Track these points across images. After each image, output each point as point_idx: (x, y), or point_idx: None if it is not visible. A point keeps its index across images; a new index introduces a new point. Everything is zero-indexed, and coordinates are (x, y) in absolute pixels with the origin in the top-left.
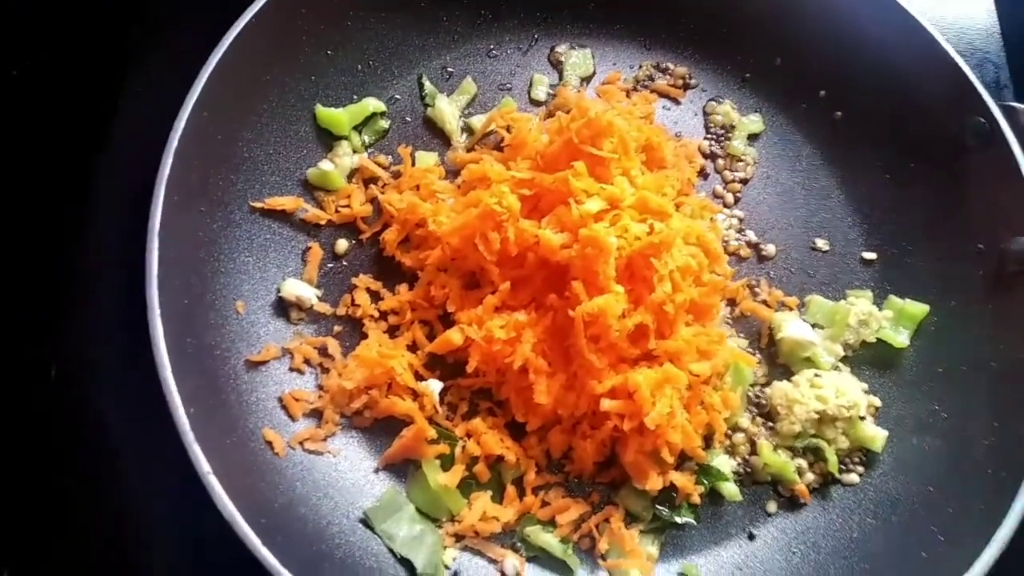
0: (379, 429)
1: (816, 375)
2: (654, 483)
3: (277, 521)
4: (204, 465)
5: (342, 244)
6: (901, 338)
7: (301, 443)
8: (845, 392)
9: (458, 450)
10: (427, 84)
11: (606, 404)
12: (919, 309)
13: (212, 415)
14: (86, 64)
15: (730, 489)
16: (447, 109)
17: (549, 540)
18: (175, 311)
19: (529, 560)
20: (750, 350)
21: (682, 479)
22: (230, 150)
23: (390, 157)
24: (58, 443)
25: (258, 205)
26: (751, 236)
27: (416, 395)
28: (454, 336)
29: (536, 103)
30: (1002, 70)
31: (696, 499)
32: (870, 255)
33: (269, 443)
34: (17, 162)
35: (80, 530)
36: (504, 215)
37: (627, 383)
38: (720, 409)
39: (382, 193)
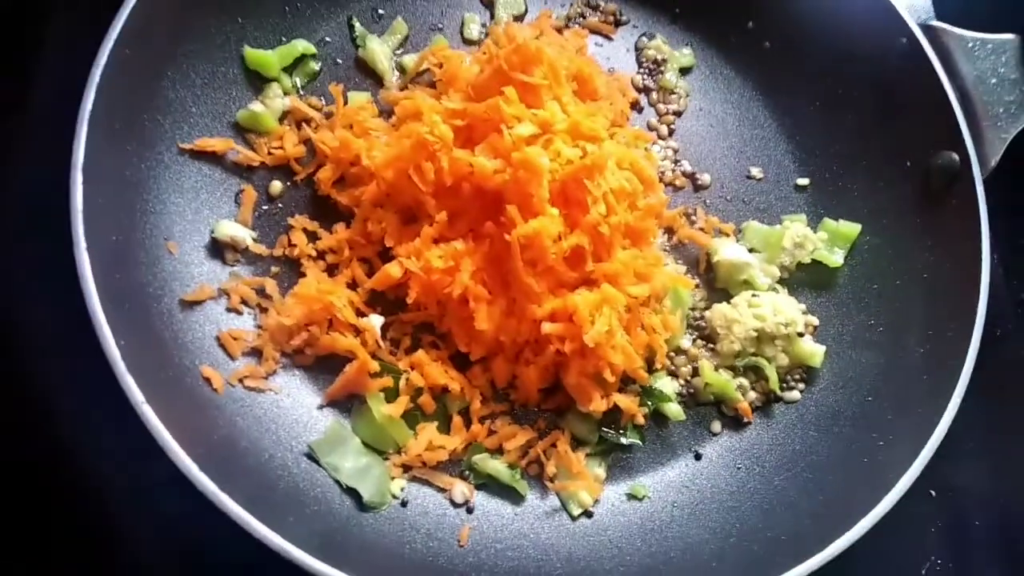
0: (321, 367)
1: (754, 295)
2: (598, 405)
3: (217, 453)
4: (137, 395)
5: (276, 185)
6: (836, 258)
7: (241, 380)
8: (783, 310)
9: (402, 382)
10: (357, 25)
11: (547, 327)
12: (852, 229)
13: (145, 350)
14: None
15: (674, 409)
16: (379, 49)
17: (497, 466)
18: (102, 247)
19: (478, 487)
20: (689, 275)
21: (625, 401)
22: (156, 90)
23: (322, 99)
24: None
25: (187, 147)
26: (686, 166)
27: (358, 331)
28: (393, 270)
29: (468, 42)
30: None
31: (640, 420)
32: (803, 181)
33: (207, 380)
34: None
35: (18, 481)
36: (437, 144)
37: (566, 305)
38: (660, 331)
39: (315, 133)
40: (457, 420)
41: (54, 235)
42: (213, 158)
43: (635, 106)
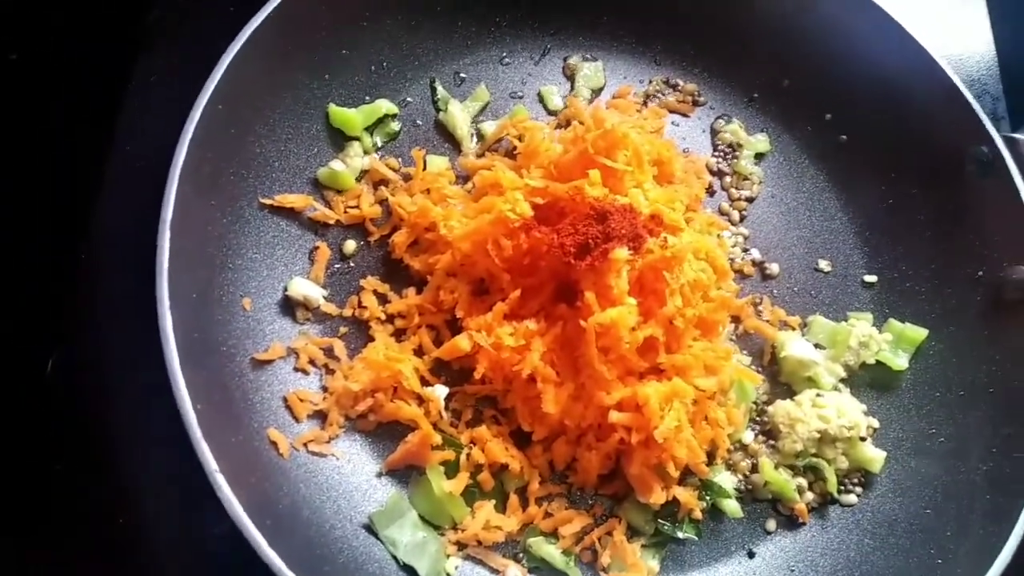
0: (383, 433)
1: (818, 395)
2: (658, 497)
3: (281, 523)
4: (212, 463)
5: (350, 245)
6: (900, 361)
7: (305, 444)
8: (846, 412)
9: (463, 457)
10: (440, 88)
11: (614, 416)
12: (918, 333)
13: (218, 412)
14: (95, 50)
15: (731, 506)
16: (459, 114)
17: (551, 552)
18: (183, 305)
19: (531, 571)
20: (753, 368)
21: (685, 494)
22: (243, 145)
23: (400, 160)
24: (56, 439)
25: (268, 202)
26: (755, 255)
27: (421, 400)
28: (462, 342)
29: (549, 112)
30: (999, 102)
31: (698, 515)
32: (871, 278)
33: (274, 443)
34: (23, 151)
35: (78, 529)
36: (517, 221)
37: (636, 396)
38: (724, 425)
39: (392, 195)
40: (514, 500)
41: (137, 281)
42: (291, 214)
43: (708, 189)
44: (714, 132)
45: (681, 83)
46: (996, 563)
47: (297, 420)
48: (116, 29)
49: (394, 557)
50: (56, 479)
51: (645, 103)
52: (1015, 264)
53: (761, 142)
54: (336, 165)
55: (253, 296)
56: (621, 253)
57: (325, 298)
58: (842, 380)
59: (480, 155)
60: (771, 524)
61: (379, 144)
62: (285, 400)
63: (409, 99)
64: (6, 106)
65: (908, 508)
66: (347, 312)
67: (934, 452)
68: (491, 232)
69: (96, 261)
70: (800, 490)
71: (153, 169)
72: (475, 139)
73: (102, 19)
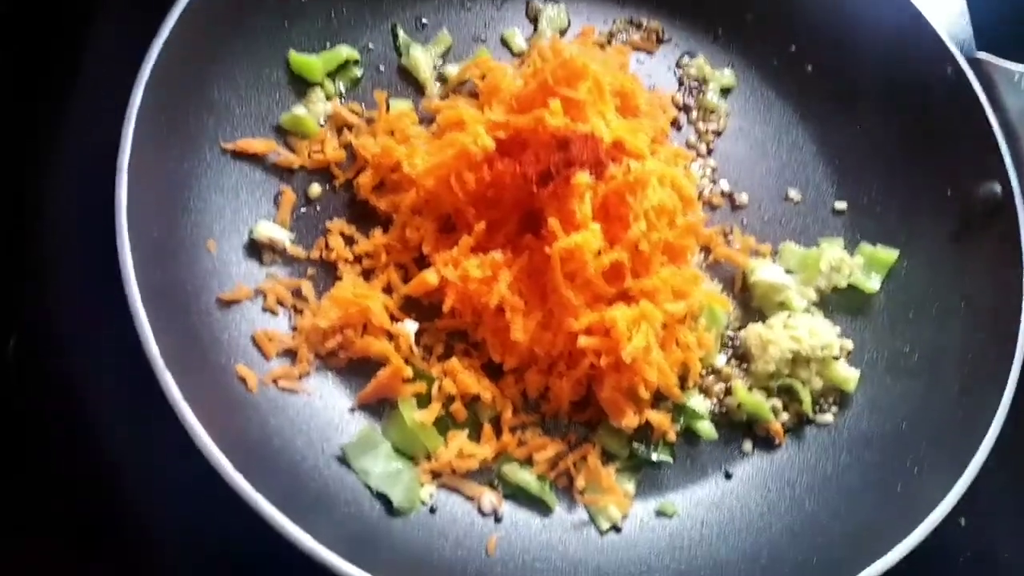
0: (354, 370)
1: (790, 316)
2: (630, 420)
3: (251, 454)
4: (176, 392)
5: (315, 188)
6: (872, 283)
7: (275, 381)
8: (818, 333)
9: (434, 389)
10: (401, 34)
11: (583, 341)
12: (889, 254)
13: (183, 349)
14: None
15: (706, 428)
16: (422, 58)
17: (526, 477)
18: (145, 247)
19: (506, 497)
20: (724, 295)
21: (658, 417)
22: (201, 90)
23: (363, 105)
24: (25, 412)
25: (229, 146)
26: (724, 185)
27: (391, 336)
28: (430, 277)
29: (514, 54)
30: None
31: (672, 437)
32: (841, 204)
33: (242, 379)
34: None
35: (54, 502)
36: (479, 154)
37: (604, 320)
38: (695, 349)
39: (356, 139)
40: (487, 429)
41: (95, 230)
42: (254, 159)
43: (675, 124)
44: (679, 68)
45: (645, 22)
46: (968, 469)
47: (267, 358)
48: None
49: (367, 487)
50: (29, 452)
51: (609, 42)
52: (982, 181)
53: (727, 76)
54: (299, 110)
55: (218, 239)
56: (583, 177)
57: (292, 241)
58: (815, 304)
59: (444, 98)
60: (747, 445)
61: (342, 91)
62: (253, 339)
63: (371, 45)
64: None
65: (883, 424)
66: (314, 254)
67: (908, 369)
68: (454, 166)
69: (55, 213)
70: (775, 411)
71: (111, 116)
72: (438, 83)
73: None
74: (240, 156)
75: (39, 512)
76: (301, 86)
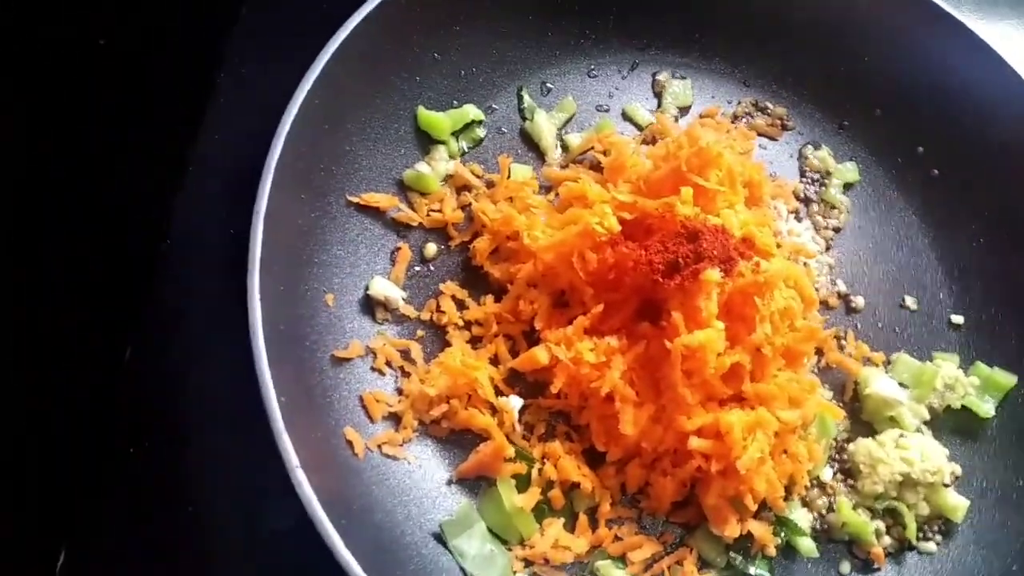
0: (454, 441)
1: (902, 435)
2: (732, 529)
3: (354, 523)
4: (293, 457)
5: (431, 248)
6: (987, 407)
7: (379, 446)
8: (930, 456)
9: (534, 472)
10: (527, 97)
11: (695, 442)
12: (1007, 379)
13: (299, 407)
14: (186, 37)
15: (807, 545)
16: (545, 124)
17: None
18: (271, 298)
19: None
20: (834, 403)
21: (760, 528)
22: (334, 142)
23: (483, 166)
24: (132, 426)
25: (355, 199)
26: (841, 286)
27: (495, 410)
28: (540, 354)
29: (636, 125)
30: None
31: (772, 551)
32: (958, 319)
33: (350, 443)
34: (111, 138)
35: (151, 517)
36: (604, 236)
37: (718, 423)
38: (804, 460)
39: (475, 201)
40: (583, 519)
41: (225, 279)
42: (375, 213)
43: (795, 215)
44: (802, 158)
45: (770, 106)
46: None
47: (372, 420)
48: (208, 20)
49: (461, 568)
50: (131, 465)
51: (733, 124)
52: None
53: (850, 171)
54: (422, 167)
55: (336, 292)
56: (713, 275)
57: (404, 300)
58: (925, 423)
59: (564, 166)
60: (845, 567)
61: (464, 149)
62: (361, 399)
63: (495, 106)
64: (94, 92)
65: (991, 562)
66: (425, 315)
67: (1021, 505)
68: (577, 244)
69: (181, 250)
70: (878, 533)
71: (240, 162)
72: (559, 150)
73: (194, 9)
74: (362, 210)
75: (128, 529)
76: (426, 143)
